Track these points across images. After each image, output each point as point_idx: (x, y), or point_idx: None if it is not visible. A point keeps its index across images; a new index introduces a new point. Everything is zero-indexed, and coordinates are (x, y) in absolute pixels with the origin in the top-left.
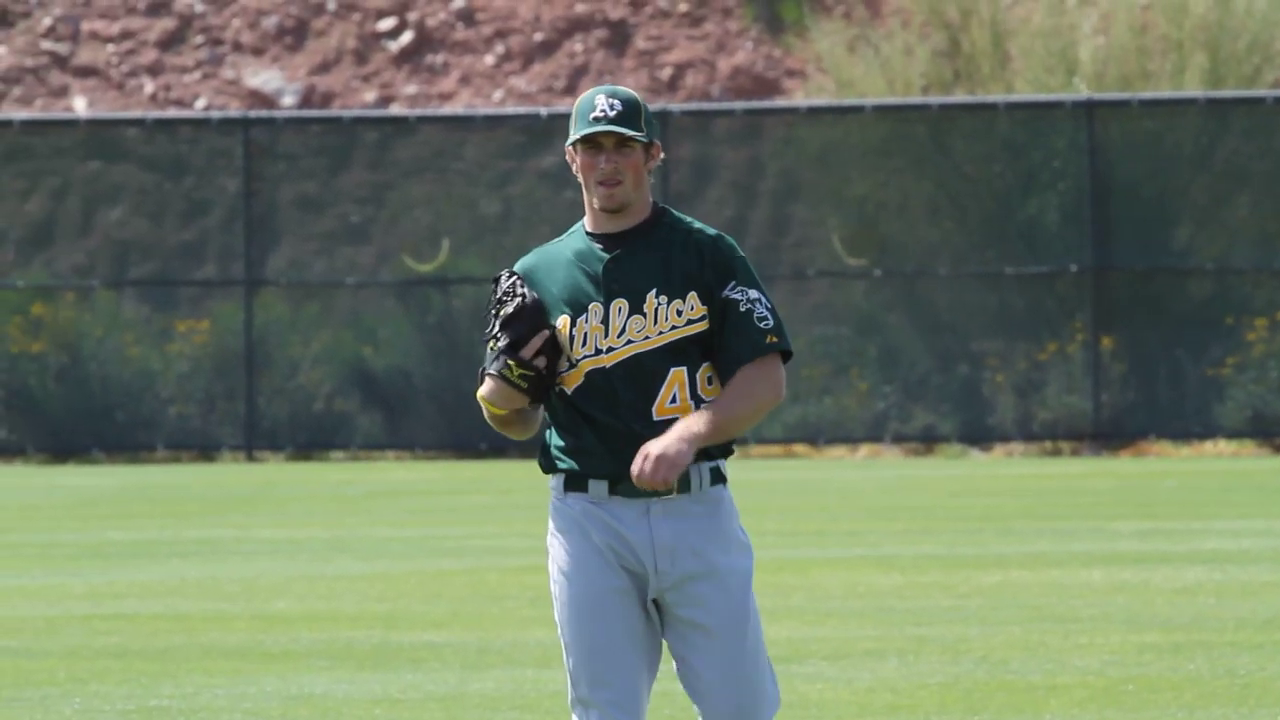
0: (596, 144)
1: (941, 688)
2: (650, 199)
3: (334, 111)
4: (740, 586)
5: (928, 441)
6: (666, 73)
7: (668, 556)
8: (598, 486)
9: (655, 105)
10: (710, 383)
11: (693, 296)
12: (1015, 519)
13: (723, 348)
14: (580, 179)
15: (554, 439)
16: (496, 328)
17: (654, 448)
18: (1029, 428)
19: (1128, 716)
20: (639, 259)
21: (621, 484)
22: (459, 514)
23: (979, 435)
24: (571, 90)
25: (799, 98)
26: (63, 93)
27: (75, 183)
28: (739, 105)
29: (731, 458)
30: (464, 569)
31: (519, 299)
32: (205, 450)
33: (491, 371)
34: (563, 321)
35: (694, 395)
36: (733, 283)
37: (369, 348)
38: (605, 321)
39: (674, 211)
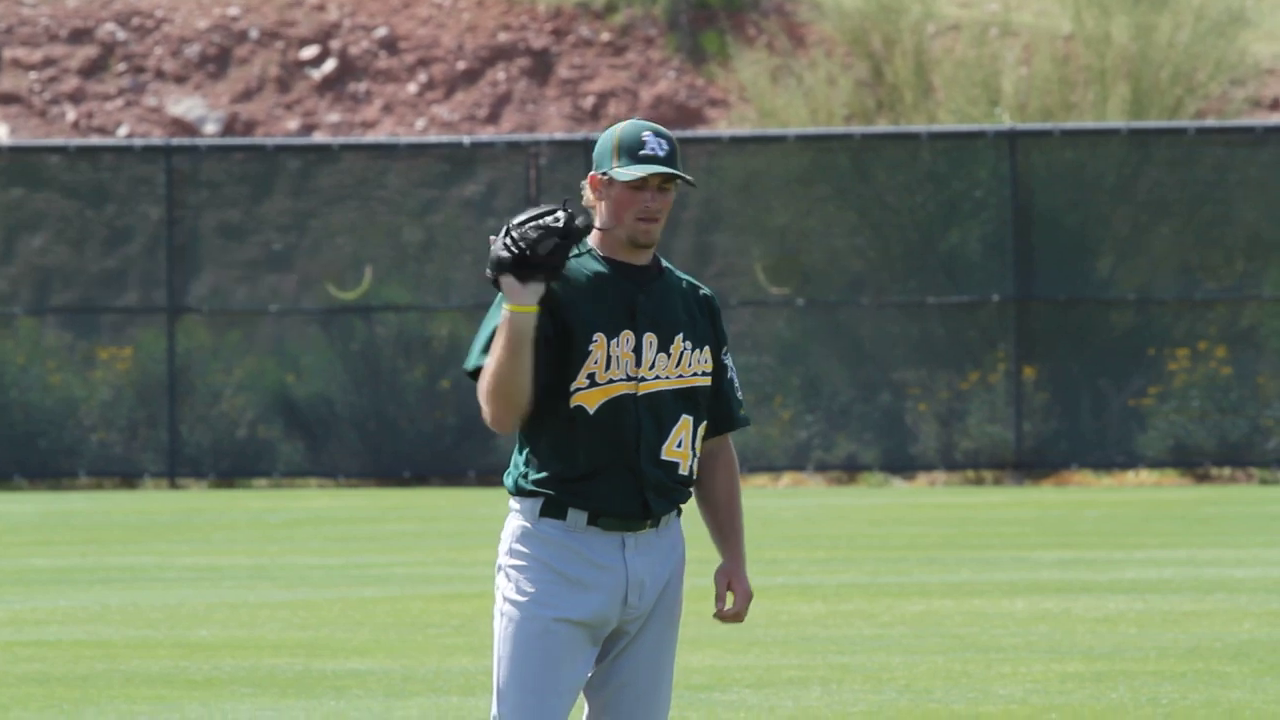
0: (643, 182)
1: (865, 716)
2: None
3: (257, 139)
4: (679, 614)
5: (850, 470)
6: (589, 102)
7: (638, 591)
8: (577, 516)
9: (578, 134)
10: (701, 439)
11: (707, 350)
12: (938, 548)
13: (710, 410)
14: (603, 207)
15: (532, 461)
16: (558, 227)
17: (747, 596)
18: (951, 457)
19: None
20: (666, 300)
21: (601, 518)
22: (382, 541)
23: (901, 464)
24: (494, 119)
25: (722, 127)
26: None
27: None
28: None
29: None
30: (387, 597)
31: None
32: (128, 477)
33: (503, 252)
34: (599, 339)
35: (693, 445)
36: (725, 348)
37: (292, 375)
38: (637, 351)
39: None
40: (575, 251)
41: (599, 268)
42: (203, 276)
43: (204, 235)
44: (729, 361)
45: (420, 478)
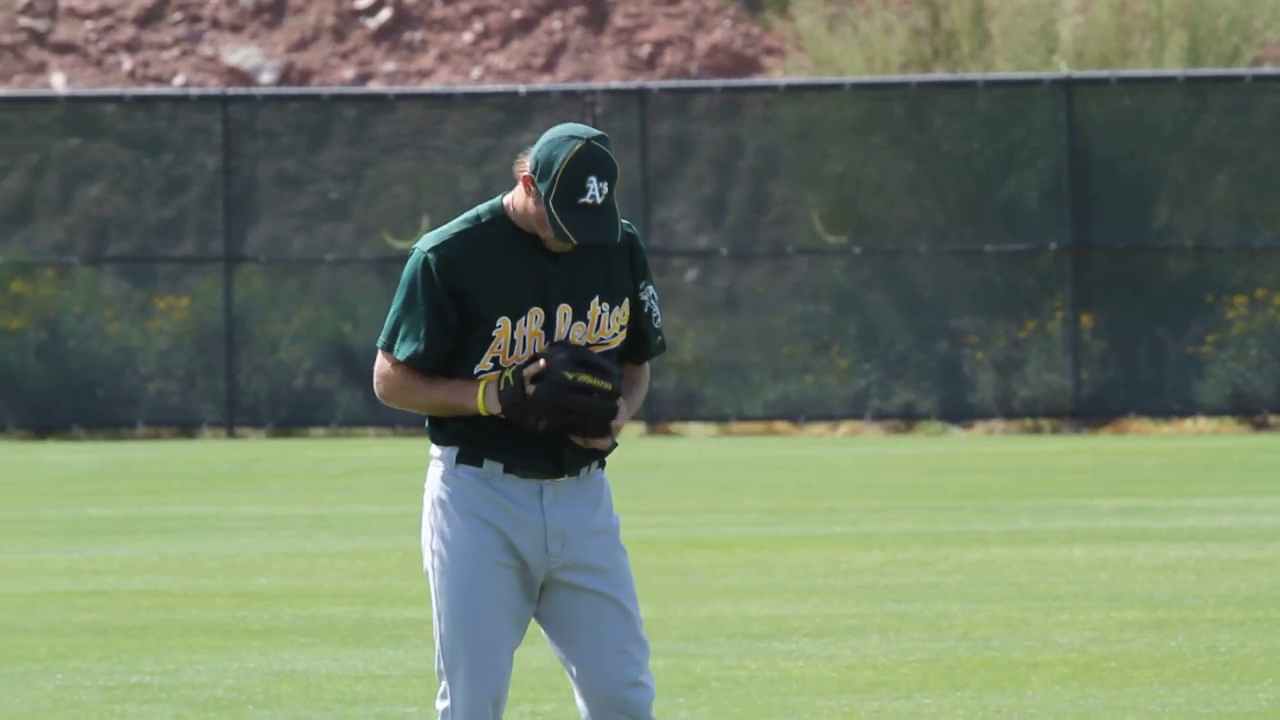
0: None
1: (923, 664)
2: None
3: (312, 89)
4: (624, 554)
5: (908, 419)
6: (645, 50)
7: (559, 539)
8: (492, 466)
9: (633, 83)
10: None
11: (626, 302)
12: (995, 496)
13: (628, 346)
14: (528, 203)
15: (450, 418)
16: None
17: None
18: (1009, 405)
19: (1109, 694)
20: (581, 262)
21: (517, 467)
22: None
23: (959, 413)
24: (550, 68)
25: (778, 75)
26: (41, 69)
27: (54, 159)
28: (718, 83)
29: (711, 434)
30: None
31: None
32: (185, 427)
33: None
34: (503, 324)
35: None
36: (644, 282)
37: (349, 324)
38: (549, 326)
39: None
40: (480, 217)
41: (508, 240)
42: (259, 226)
43: (260, 185)
44: (647, 296)
45: None
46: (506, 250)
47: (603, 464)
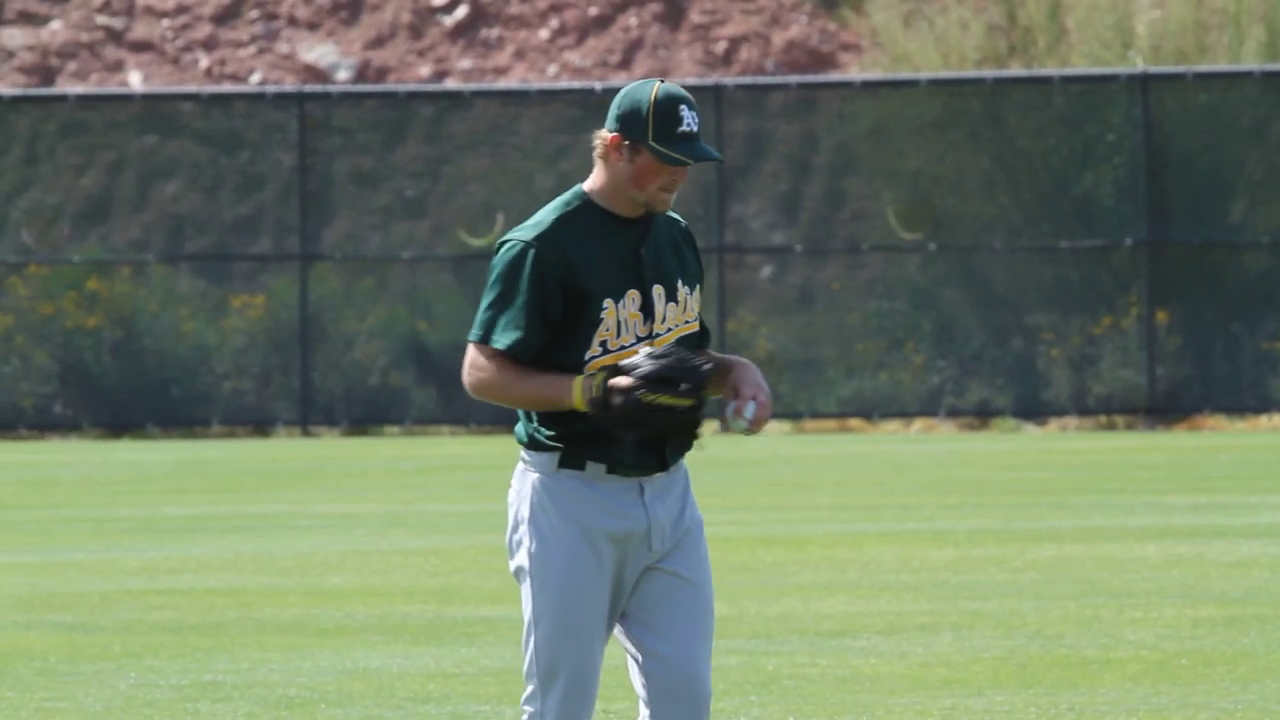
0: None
1: (995, 662)
2: None
3: (389, 86)
4: (706, 546)
5: (982, 415)
6: (721, 46)
7: (660, 535)
8: (595, 468)
9: (709, 79)
10: None
11: (698, 288)
12: (1069, 493)
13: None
14: (618, 168)
15: (541, 419)
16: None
17: (764, 393)
18: (1084, 402)
19: (1182, 691)
20: (663, 246)
21: (620, 467)
22: None
23: (1033, 409)
24: (626, 65)
25: (853, 71)
26: (118, 68)
27: (131, 157)
28: (793, 79)
29: (786, 431)
30: None
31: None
32: (260, 425)
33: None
34: (609, 306)
35: None
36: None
37: (424, 322)
38: (646, 308)
39: None
40: (569, 204)
41: (600, 224)
42: (335, 223)
43: (336, 182)
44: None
45: None
46: (601, 234)
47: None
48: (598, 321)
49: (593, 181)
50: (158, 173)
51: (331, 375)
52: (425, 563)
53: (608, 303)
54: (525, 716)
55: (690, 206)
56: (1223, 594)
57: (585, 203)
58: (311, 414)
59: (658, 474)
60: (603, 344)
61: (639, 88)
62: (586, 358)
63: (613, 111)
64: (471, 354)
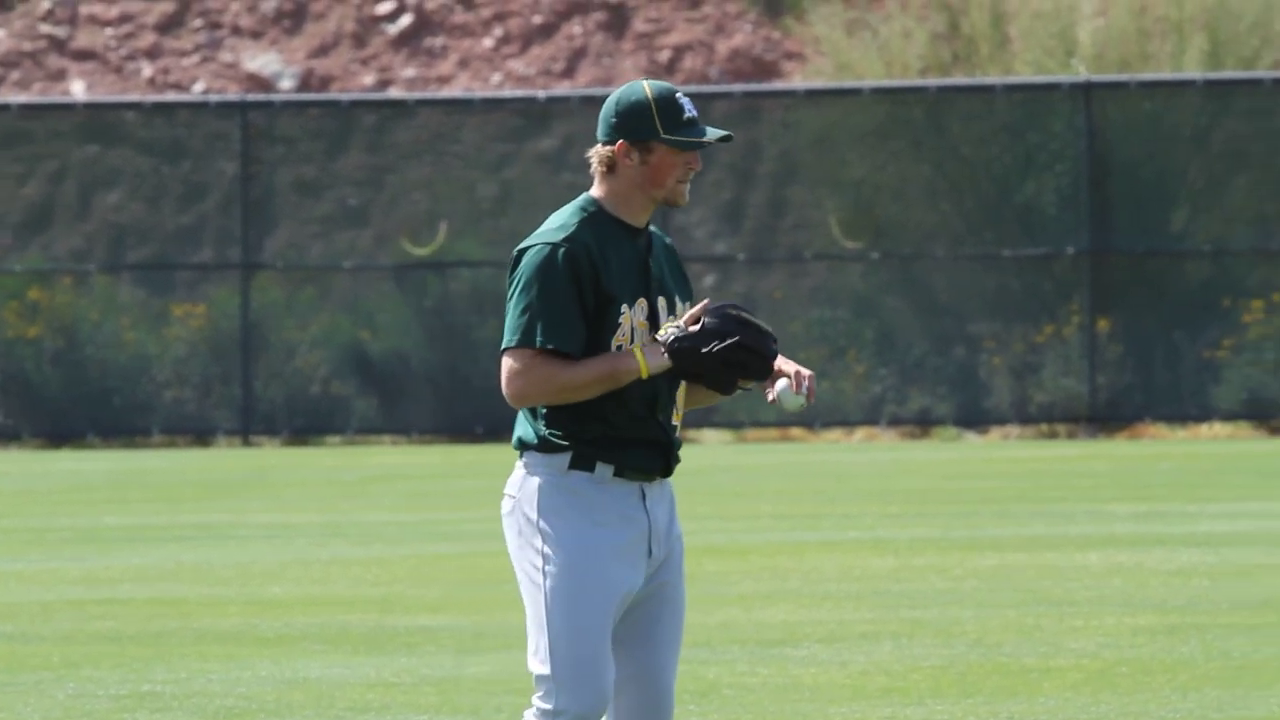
0: (690, 146)
1: (936, 671)
2: None
3: (332, 95)
4: (682, 558)
5: (924, 424)
6: (665, 55)
7: (657, 541)
8: (604, 469)
9: None
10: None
11: (687, 306)
12: (1011, 502)
13: None
14: (629, 173)
15: (558, 419)
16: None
17: (805, 370)
18: (1025, 410)
19: (1122, 699)
20: (662, 259)
21: (627, 469)
22: (454, 498)
23: (975, 418)
24: (570, 74)
25: (797, 80)
26: (60, 76)
27: (72, 166)
28: (737, 88)
29: (726, 441)
30: (459, 553)
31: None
32: (201, 435)
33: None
34: (625, 310)
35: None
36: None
37: (366, 331)
38: (653, 317)
39: None
40: (585, 209)
41: (614, 232)
42: (277, 232)
43: (279, 191)
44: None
45: (493, 434)
46: (615, 240)
47: None
48: (616, 326)
49: (600, 190)
50: (100, 182)
51: (273, 385)
52: (366, 572)
53: (624, 308)
54: (537, 713)
55: None
56: (1163, 603)
57: (599, 209)
58: (253, 423)
59: (658, 479)
60: (618, 348)
61: (628, 91)
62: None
63: (607, 122)
64: (509, 363)
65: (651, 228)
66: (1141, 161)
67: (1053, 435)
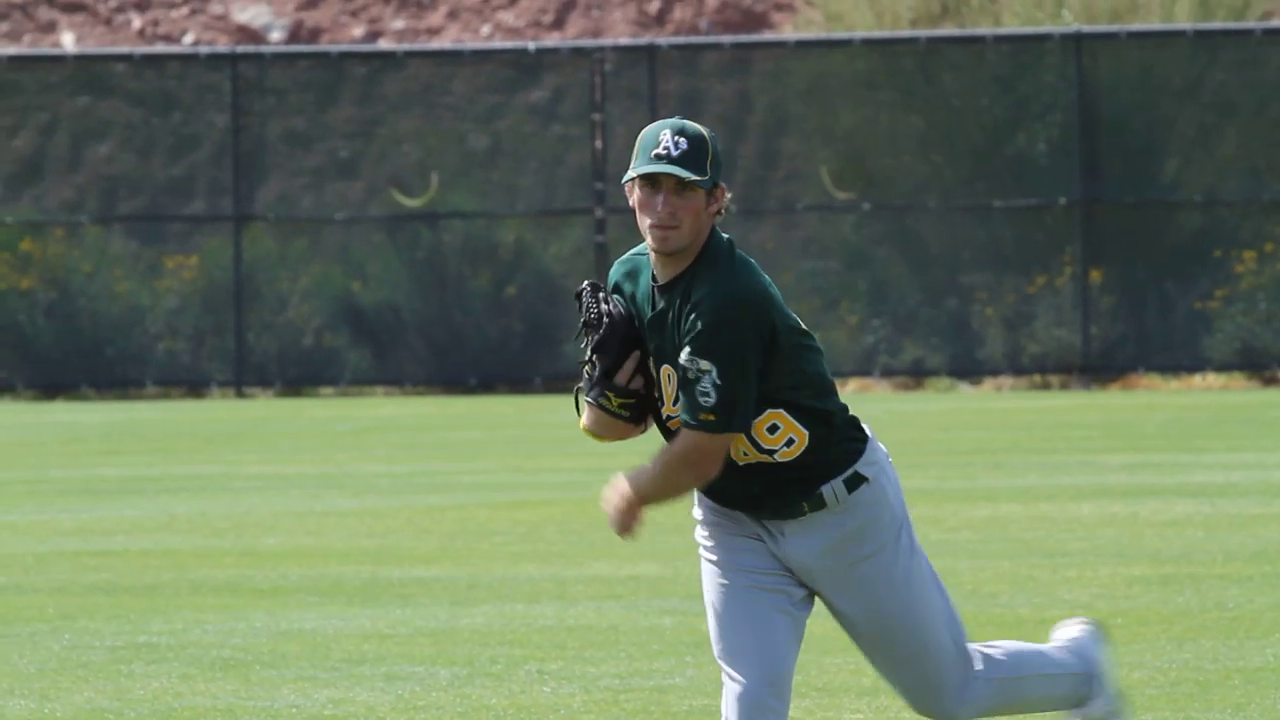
0: (655, 183)
1: None
2: (704, 244)
3: (322, 46)
4: (885, 576)
5: (917, 375)
6: (654, 6)
7: (804, 573)
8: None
9: (643, 39)
10: (772, 431)
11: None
12: (1004, 452)
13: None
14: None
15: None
16: (589, 353)
17: (612, 500)
18: (1018, 361)
19: (1117, 649)
20: (666, 321)
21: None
22: (448, 449)
23: (968, 369)
24: (560, 25)
25: (787, 31)
26: (50, 28)
27: (63, 118)
28: (727, 39)
29: None
30: (453, 504)
31: (606, 320)
32: (194, 386)
33: (589, 399)
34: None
35: (775, 428)
36: (690, 351)
37: (358, 283)
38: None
39: (715, 253)
40: (638, 251)
41: (646, 277)
42: (269, 184)
43: (270, 143)
44: (690, 363)
45: (486, 385)
46: (649, 293)
47: (858, 482)
48: (657, 380)
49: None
50: (91, 134)
51: (265, 336)
52: (360, 524)
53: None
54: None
55: (622, 170)
56: (1157, 553)
57: (645, 256)
58: (245, 375)
59: (806, 514)
60: (662, 400)
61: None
62: (664, 415)
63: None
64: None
65: (710, 287)
66: (1132, 112)
67: (1046, 386)
